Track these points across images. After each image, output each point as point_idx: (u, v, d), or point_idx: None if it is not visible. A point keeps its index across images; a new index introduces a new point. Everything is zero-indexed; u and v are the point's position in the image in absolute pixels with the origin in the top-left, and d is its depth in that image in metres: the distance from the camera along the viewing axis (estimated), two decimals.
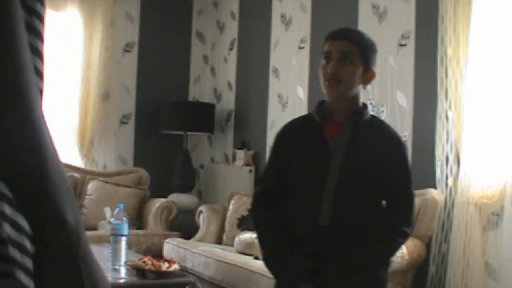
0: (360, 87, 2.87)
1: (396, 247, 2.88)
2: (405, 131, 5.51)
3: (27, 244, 1.00)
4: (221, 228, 6.69)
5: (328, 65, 2.81)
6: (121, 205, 4.81)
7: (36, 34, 1.19)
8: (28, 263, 1.00)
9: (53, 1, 7.69)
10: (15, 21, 0.99)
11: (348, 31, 2.94)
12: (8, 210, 0.99)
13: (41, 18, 1.21)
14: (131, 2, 8.41)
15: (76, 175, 7.37)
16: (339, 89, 2.81)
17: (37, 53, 1.19)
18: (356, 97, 2.89)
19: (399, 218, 2.84)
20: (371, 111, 2.97)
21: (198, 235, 6.78)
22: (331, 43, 2.85)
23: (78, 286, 1.00)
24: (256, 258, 5.53)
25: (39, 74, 1.20)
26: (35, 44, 1.19)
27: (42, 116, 1.06)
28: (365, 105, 2.94)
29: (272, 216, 2.95)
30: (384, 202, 2.87)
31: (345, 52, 2.79)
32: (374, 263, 2.83)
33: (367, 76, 2.87)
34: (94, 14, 7.96)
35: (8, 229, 0.98)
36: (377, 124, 2.97)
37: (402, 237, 2.83)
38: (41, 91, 1.25)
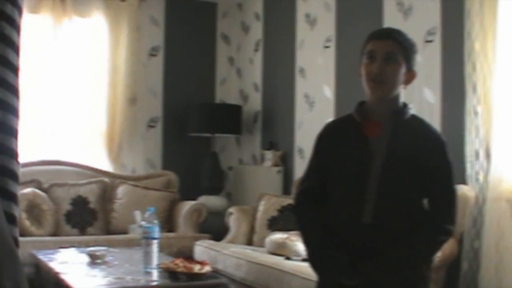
0: (402, 87, 2.90)
1: (439, 244, 2.88)
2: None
3: None
4: (251, 229, 6.69)
5: (372, 65, 2.83)
6: (152, 209, 4.83)
7: (11, 23, 1.11)
8: None
9: (78, 8, 7.75)
10: None
11: (393, 31, 2.95)
12: None
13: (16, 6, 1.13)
14: (155, 6, 8.44)
15: (106, 179, 7.41)
16: (383, 89, 2.84)
17: (13, 46, 1.12)
18: (397, 97, 2.91)
19: (441, 216, 2.85)
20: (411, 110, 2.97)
21: (229, 236, 6.78)
22: (375, 43, 2.87)
23: None
24: (288, 258, 5.53)
25: (15, 70, 1.13)
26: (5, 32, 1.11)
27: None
28: (405, 105, 2.95)
29: (315, 215, 2.99)
30: (425, 201, 2.88)
31: (389, 52, 2.82)
32: (416, 261, 2.86)
33: (409, 76, 2.88)
34: (119, 19, 8.00)
35: None
36: (418, 123, 2.97)
37: (445, 235, 2.84)
38: (17, 91, 1.19)
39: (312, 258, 2.95)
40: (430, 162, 2.84)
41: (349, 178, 2.91)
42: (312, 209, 3.01)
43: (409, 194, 2.84)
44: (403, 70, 2.83)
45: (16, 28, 1.13)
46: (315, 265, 2.95)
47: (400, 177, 2.83)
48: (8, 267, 0.91)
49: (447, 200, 2.87)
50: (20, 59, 1.14)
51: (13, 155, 1.11)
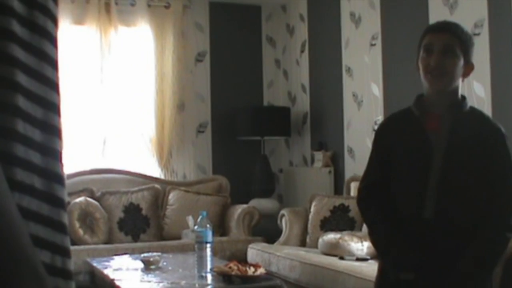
0: (460, 79, 2.87)
1: (506, 242, 2.82)
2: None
3: None
4: (304, 231, 6.67)
5: (429, 58, 2.80)
6: (204, 213, 4.84)
7: (45, 35, 1.08)
8: None
9: (123, 18, 7.82)
10: None
11: (450, 24, 2.93)
12: None
13: (54, 19, 1.10)
14: (199, 11, 8.47)
15: (157, 186, 7.45)
16: (443, 81, 2.81)
17: (54, 64, 1.09)
18: (456, 90, 2.87)
19: (504, 212, 2.78)
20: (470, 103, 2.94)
21: (282, 238, 6.77)
22: (432, 35, 2.85)
23: None
24: (341, 258, 5.50)
25: (55, 86, 1.10)
26: (43, 47, 1.08)
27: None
28: (463, 97, 2.92)
29: (380, 207, 2.98)
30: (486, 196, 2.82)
31: (447, 45, 2.79)
32: (490, 260, 2.78)
33: (468, 69, 2.86)
34: (164, 26, 8.05)
35: None
36: (477, 115, 2.94)
37: (510, 231, 2.78)
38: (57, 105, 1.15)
39: (378, 247, 2.99)
40: (491, 155, 2.80)
41: (410, 172, 2.89)
42: (376, 204, 3.00)
43: (470, 189, 2.80)
44: (461, 62, 2.81)
45: (54, 20, 1.11)
46: (381, 254, 2.98)
47: (461, 171, 2.80)
48: (31, 282, 0.87)
49: (509, 194, 2.81)
50: (57, 53, 1.11)
51: (58, 156, 1.08)
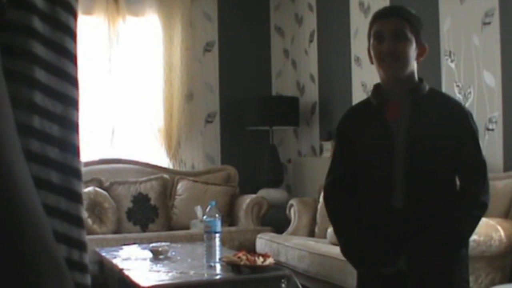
0: (415, 63, 2.82)
1: (476, 221, 2.76)
2: (494, 112, 5.38)
3: None
4: (313, 221, 6.67)
5: (381, 45, 2.77)
6: (213, 203, 4.83)
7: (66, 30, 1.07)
8: None
9: (132, 8, 7.81)
10: None
11: (397, 9, 2.90)
12: None
13: (73, 14, 1.10)
14: (208, 1, 8.46)
15: (166, 176, 7.45)
16: (397, 66, 2.76)
17: (73, 59, 1.09)
18: (412, 74, 2.83)
19: (474, 190, 2.74)
20: (427, 85, 2.89)
21: (290, 228, 6.77)
22: (381, 22, 2.81)
23: None
24: None
25: (74, 80, 1.10)
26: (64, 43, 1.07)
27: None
28: (421, 80, 2.87)
29: (345, 205, 2.94)
30: (457, 179, 2.81)
31: (398, 30, 2.75)
32: (456, 241, 2.73)
33: (421, 51, 2.82)
34: (172, 16, 8.04)
35: None
36: (437, 96, 2.90)
37: (480, 209, 2.73)
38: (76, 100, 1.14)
39: (347, 250, 2.92)
40: (454, 135, 2.76)
41: (374, 164, 2.85)
42: (342, 200, 2.96)
43: (438, 174, 2.77)
44: (413, 45, 2.77)
45: (74, 15, 1.10)
46: (350, 257, 2.91)
47: (425, 156, 2.76)
48: (54, 283, 0.86)
49: (477, 172, 2.77)
50: (77, 48, 1.11)
51: (76, 151, 1.09)
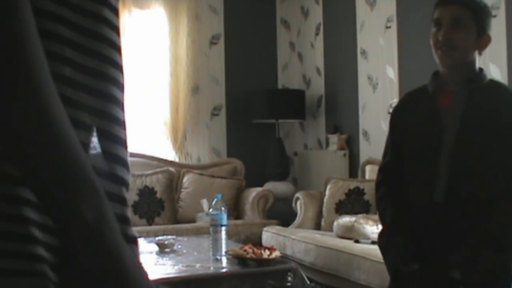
0: (476, 53, 2.69)
1: None
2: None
3: (54, 241, 0.95)
4: (319, 214, 6.66)
5: (439, 33, 2.66)
6: (219, 196, 4.82)
7: (109, 25, 1.11)
8: (54, 259, 0.95)
9: (138, 1, 7.80)
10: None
11: None
12: (33, 214, 0.94)
13: (113, 9, 1.13)
14: None
15: (172, 169, 7.45)
16: (453, 56, 2.65)
17: (113, 46, 1.12)
18: (471, 64, 2.70)
19: None
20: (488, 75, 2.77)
21: (296, 222, 6.77)
22: (440, 9, 2.69)
23: None
24: (357, 241, 5.49)
25: (118, 67, 1.15)
26: (109, 35, 1.11)
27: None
28: (481, 70, 2.74)
29: (391, 195, 2.88)
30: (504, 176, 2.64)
31: (456, 18, 2.63)
32: (503, 241, 2.57)
33: (482, 41, 2.69)
34: (178, 9, 8.03)
35: (35, 231, 0.94)
36: (497, 88, 2.76)
37: None
38: (122, 84, 1.22)
39: (379, 240, 2.88)
40: (508, 130, 2.61)
41: (420, 154, 2.76)
42: (388, 188, 2.90)
43: (485, 170, 2.62)
44: (473, 34, 2.64)
45: (115, 12, 1.15)
46: (380, 247, 2.88)
47: (475, 150, 2.63)
48: (91, 198, 0.89)
49: None
50: (119, 39, 1.16)
51: (119, 141, 1.13)
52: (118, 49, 1.16)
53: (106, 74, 1.09)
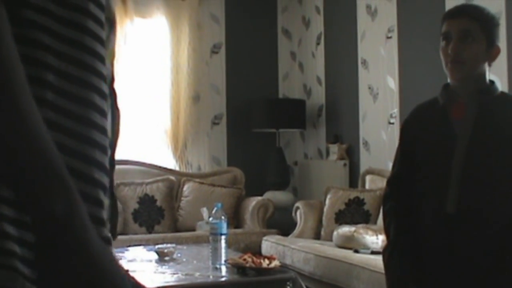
0: (486, 64, 2.66)
1: None
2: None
3: (28, 236, 0.95)
4: (319, 223, 6.66)
5: (448, 46, 2.62)
6: (219, 204, 4.83)
7: (90, 34, 1.09)
8: (28, 254, 0.96)
9: (139, 9, 7.82)
10: None
11: (466, 7, 2.78)
12: (7, 210, 0.95)
13: (96, 20, 1.11)
14: (215, 3, 8.46)
15: (172, 177, 7.45)
16: (463, 70, 2.61)
17: (96, 55, 1.10)
18: (482, 76, 2.67)
19: None
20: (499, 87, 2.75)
21: (296, 231, 6.77)
22: (449, 22, 2.66)
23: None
24: (356, 251, 5.49)
25: (102, 76, 1.11)
26: (91, 45, 1.09)
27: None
28: (492, 82, 2.71)
29: (396, 211, 2.84)
30: None
31: (465, 30, 2.59)
32: None
33: (492, 53, 2.65)
34: (180, 18, 8.06)
35: (7, 227, 0.95)
36: (507, 100, 2.73)
37: None
38: (114, 93, 1.22)
39: (382, 254, 2.85)
40: None
41: (432, 164, 2.73)
42: (394, 203, 2.86)
43: (498, 183, 2.59)
44: (483, 47, 2.61)
45: (98, 22, 1.12)
46: (383, 262, 2.83)
47: (487, 161, 2.60)
48: (61, 193, 0.89)
49: None
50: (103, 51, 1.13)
51: (98, 146, 1.10)
52: (101, 59, 1.12)
53: (87, 81, 1.07)
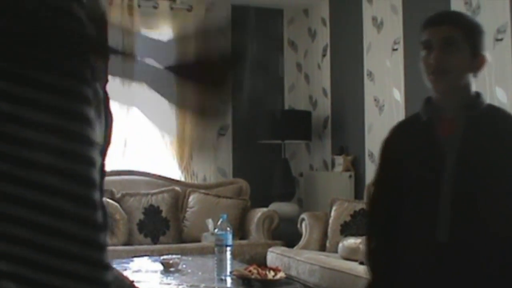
0: (470, 76, 2.44)
1: None
2: None
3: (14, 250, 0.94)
4: (324, 235, 6.65)
5: (429, 56, 2.41)
6: (225, 216, 4.83)
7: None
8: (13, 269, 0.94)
9: (146, 21, 7.84)
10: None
11: (448, 14, 2.58)
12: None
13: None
14: (222, 14, 8.47)
15: (177, 188, 7.45)
16: (446, 81, 2.40)
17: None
18: (467, 88, 2.45)
19: None
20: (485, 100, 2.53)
21: (301, 242, 6.76)
22: (430, 30, 2.45)
23: None
24: (361, 263, 5.48)
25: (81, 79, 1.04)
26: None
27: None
28: (478, 94, 2.48)
29: (379, 251, 2.62)
30: None
31: (448, 38, 2.38)
32: None
33: (478, 62, 2.43)
34: (186, 29, 8.06)
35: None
36: (497, 114, 2.51)
37: None
38: (107, 96, 1.19)
39: None
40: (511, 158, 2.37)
41: (419, 188, 2.48)
42: (378, 242, 2.63)
43: (492, 205, 2.35)
44: (467, 56, 2.39)
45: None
46: None
47: (479, 182, 2.37)
48: None
49: None
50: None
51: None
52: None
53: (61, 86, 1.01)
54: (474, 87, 2.44)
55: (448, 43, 2.38)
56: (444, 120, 2.47)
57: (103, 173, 1.21)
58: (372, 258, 2.64)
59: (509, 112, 2.56)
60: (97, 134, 1.11)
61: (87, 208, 1.02)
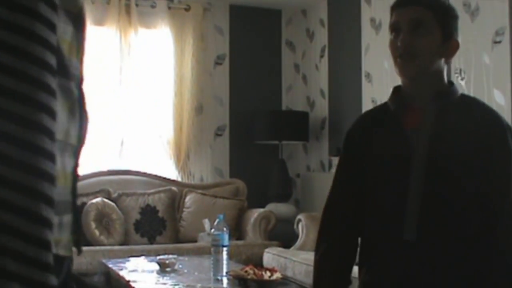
0: (442, 61, 2.29)
1: None
2: None
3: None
4: None
5: (397, 39, 2.25)
6: (221, 216, 4.82)
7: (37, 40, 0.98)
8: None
9: (143, 20, 7.84)
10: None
11: None
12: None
13: (48, 23, 0.99)
14: (220, 14, 8.47)
15: (174, 188, 7.45)
16: (414, 65, 2.23)
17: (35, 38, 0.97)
18: (438, 74, 2.30)
19: (509, 239, 2.19)
20: (459, 89, 2.38)
21: (298, 243, 6.76)
22: (398, 12, 2.28)
23: None
24: (357, 264, 5.47)
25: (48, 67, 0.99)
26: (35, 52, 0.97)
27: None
28: (450, 83, 2.34)
29: (332, 257, 2.52)
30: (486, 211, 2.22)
31: (416, 20, 2.23)
32: None
33: (449, 47, 2.28)
34: (184, 29, 8.07)
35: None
36: (471, 104, 2.35)
37: None
38: (82, 95, 1.16)
39: None
40: (488, 155, 2.20)
41: (385, 183, 2.32)
42: (328, 246, 2.52)
43: (463, 202, 2.21)
44: (438, 39, 2.24)
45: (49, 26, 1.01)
46: None
47: (449, 177, 2.22)
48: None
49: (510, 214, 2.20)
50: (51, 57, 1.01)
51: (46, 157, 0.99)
52: (48, 47, 1.00)
53: (42, 81, 0.97)
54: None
55: (416, 25, 2.24)
56: (414, 110, 2.31)
57: (76, 175, 1.17)
58: (323, 261, 2.56)
59: (483, 102, 2.43)
60: (72, 135, 1.10)
61: (31, 175, 0.95)
